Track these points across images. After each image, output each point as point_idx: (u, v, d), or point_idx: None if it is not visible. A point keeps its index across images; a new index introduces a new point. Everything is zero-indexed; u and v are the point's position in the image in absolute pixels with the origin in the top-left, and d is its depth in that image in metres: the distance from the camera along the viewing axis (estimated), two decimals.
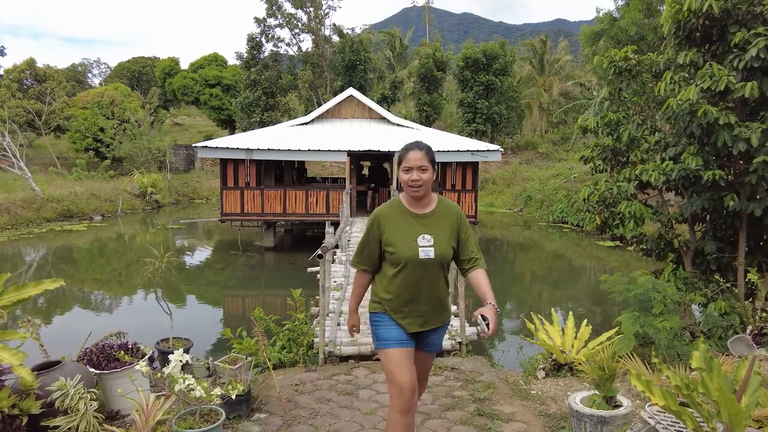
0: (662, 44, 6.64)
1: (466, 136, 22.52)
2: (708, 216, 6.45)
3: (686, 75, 5.74)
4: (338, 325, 5.45)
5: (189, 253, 16.29)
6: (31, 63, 33.68)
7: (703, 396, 1.88)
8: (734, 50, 5.39)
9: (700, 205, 5.82)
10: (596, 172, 7.12)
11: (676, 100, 5.54)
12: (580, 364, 4.24)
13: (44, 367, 3.06)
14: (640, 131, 6.68)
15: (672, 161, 5.84)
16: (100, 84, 48.92)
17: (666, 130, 6.95)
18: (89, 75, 57.71)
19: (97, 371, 3.30)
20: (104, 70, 61.32)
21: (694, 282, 6.27)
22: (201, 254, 16.52)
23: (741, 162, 5.75)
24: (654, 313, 5.34)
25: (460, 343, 4.98)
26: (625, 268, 7.31)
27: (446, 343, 4.92)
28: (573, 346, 4.80)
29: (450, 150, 15.15)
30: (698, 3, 5.39)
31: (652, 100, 6.96)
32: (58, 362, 3.13)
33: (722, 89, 5.18)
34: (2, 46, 39.75)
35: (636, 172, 6.14)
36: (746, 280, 6.10)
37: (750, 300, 6.15)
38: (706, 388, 1.80)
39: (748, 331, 5.35)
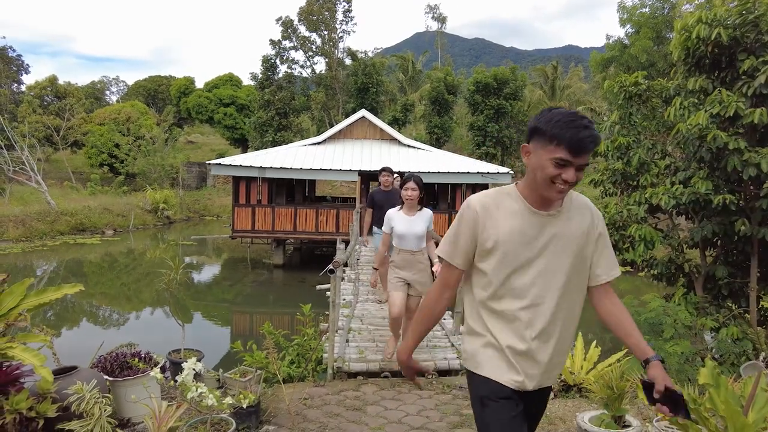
0: (672, 71, 6.74)
1: (476, 159, 22.79)
2: (719, 241, 6.43)
3: (696, 101, 5.81)
4: (347, 341, 5.46)
5: (198, 270, 16.41)
6: (53, 80, 34.67)
7: (710, 411, 1.90)
8: (743, 77, 5.46)
9: (710, 230, 5.82)
10: (606, 196, 7.15)
11: (685, 124, 5.60)
12: (589, 385, 4.22)
13: (60, 373, 3.12)
14: (650, 155, 6.72)
15: (682, 185, 5.86)
16: (118, 101, 50.01)
17: (676, 155, 6.99)
18: (107, 92, 59.11)
19: (111, 378, 3.35)
20: (122, 88, 62.71)
21: (706, 307, 6.23)
22: (210, 271, 16.63)
23: (752, 187, 5.76)
24: (665, 338, 5.30)
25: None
26: (636, 293, 7.27)
27: (454, 362, 4.92)
28: (582, 368, 4.77)
29: (460, 171, 15.27)
30: (707, 31, 5.49)
31: (662, 125, 7.02)
32: (74, 368, 3.18)
33: (731, 115, 5.23)
34: (27, 64, 41.16)
35: (646, 196, 6.17)
36: (759, 306, 6.05)
37: (763, 326, 6.09)
38: (713, 403, 1.82)
39: (761, 357, 5.29)
